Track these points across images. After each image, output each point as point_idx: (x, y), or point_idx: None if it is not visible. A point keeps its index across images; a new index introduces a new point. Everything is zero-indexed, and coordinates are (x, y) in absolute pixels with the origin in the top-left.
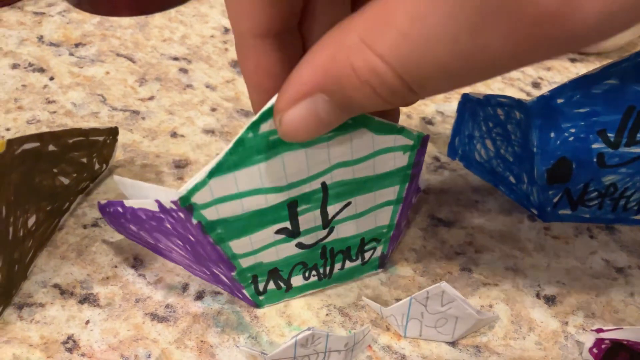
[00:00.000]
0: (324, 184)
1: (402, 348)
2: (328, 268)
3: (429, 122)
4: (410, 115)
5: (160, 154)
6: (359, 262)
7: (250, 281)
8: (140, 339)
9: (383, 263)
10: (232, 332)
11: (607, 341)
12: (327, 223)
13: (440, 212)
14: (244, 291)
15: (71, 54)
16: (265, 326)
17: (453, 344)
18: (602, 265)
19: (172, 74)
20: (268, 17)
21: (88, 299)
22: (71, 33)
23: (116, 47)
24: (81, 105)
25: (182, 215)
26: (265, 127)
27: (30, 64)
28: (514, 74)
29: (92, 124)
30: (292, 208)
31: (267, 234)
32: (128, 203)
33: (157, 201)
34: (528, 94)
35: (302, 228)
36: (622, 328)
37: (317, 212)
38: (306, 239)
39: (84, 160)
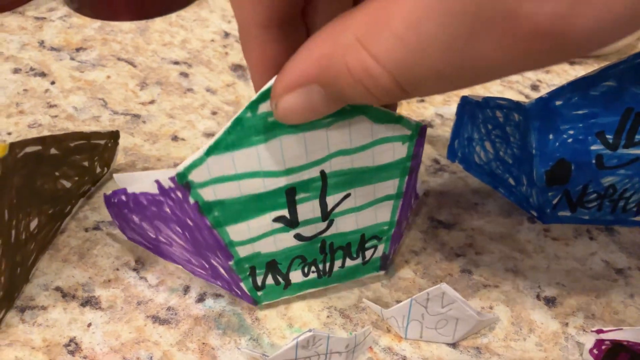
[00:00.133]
0: (322, 172)
1: (403, 349)
2: (328, 265)
3: (429, 124)
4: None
5: (161, 158)
6: (359, 260)
7: (248, 273)
8: (142, 342)
9: (385, 264)
10: (234, 334)
11: (607, 342)
12: (327, 215)
13: (440, 214)
14: (242, 285)
15: (72, 59)
16: (267, 328)
17: (454, 345)
18: (602, 266)
19: (172, 78)
20: (271, 7)
21: (90, 302)
22: (72, 38)
23: (117, 51)
24: (82, 109)
25: (180, 194)
26: (263, 108)
27: (32, 69)
28: (513, 76)
29: (94, 127)
30: (290, 195)
31: (264, 220)
32: (130, 189)
33: (157, 181)
34: (527, 96)
35: (300, 218)
36: (622, 329)
37: (316, 202)
38: (305, 231)
39: (86, 163)
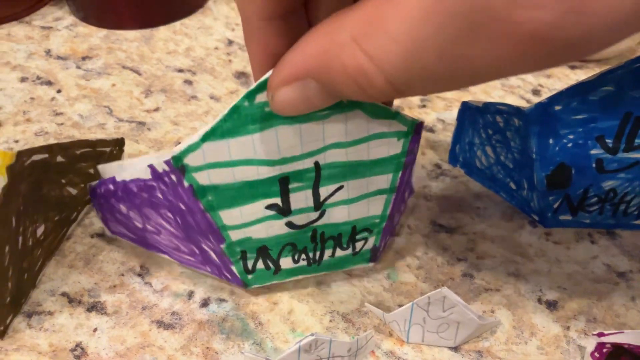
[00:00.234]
0: (317, 164)
1: (405, 353)
2: (318, 253)
3: (430, 129)
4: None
5: None
6: (350, 251)
7: (239, 257)
8: (147, 346)
9: (375, 257)
10: (237, 338)
11: (608, 345)
12: (319, 205)
13: (442, 218)
14: (233, 268)
15: (78, 67)
16: (270, 332)
17: (455, 349)
18: (603, 270)
19: (177, 85)
20: (273, 0)
21: (96, 307)
22: (78, 46)
23: (122, 59)
24: (88, 116)
25: (174, 177)
26: (261, 98)
27: (38, 77)
28: (514, 81)
29: (99, 135)
30: (283, 184)
31: (257, 207)
32: (119, 177)
33: (151, 166)
34: (528, 101)
35: (293, 207)
36: (623, 332)
37: (309, 192)
38: (297, 219)
39: (91, 170)
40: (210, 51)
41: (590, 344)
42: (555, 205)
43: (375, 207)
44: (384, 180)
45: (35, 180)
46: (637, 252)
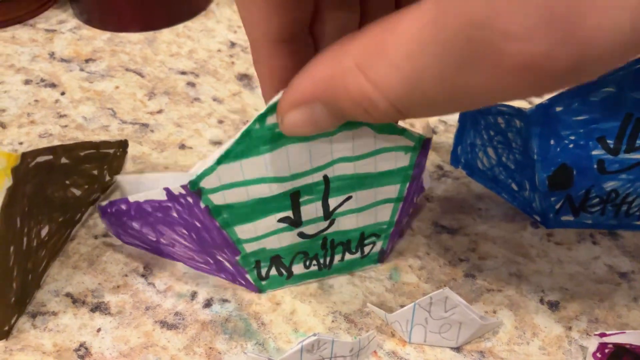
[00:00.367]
0: (325, 177)
1: (407, 354)
2: (328, 259)
3: (432, 131)
4: (414, 124)
5: (169, 166)
6: (358, 255)
7: (253, 266)
8: (150, 346)
9: (382, 258)
10: (240, 338)
11: (610, 345)
12: (329, 215)
13: (444, 219)
14: (247, 276)
15: (82, 70)
16: (272, 333)
17: (457, 349)
18: (605, 270)
19: (180, 87)
20: (279, 23)
21: (99, 308)
22: (82, 49)
23: (125, 62)
24: (92, 119)
25: (190, 200)
26: (271, 120)
27: (42, 80)
28: None
29: (103, 137)
30: (294, 198)
31: (270, 221)
32: (132, 198)
33: (166, 189)
34: (530, 102)
35: (304, 218)
36: (625, 332)
37: (319, 203)
38: (308, 229)
39: (95, 172)
40: (213, 53)
41: (592, 344)
42: (557, 206)
43: (383, 215)
44: (392, 190)
45: (40, 182)
46: (639, 253)
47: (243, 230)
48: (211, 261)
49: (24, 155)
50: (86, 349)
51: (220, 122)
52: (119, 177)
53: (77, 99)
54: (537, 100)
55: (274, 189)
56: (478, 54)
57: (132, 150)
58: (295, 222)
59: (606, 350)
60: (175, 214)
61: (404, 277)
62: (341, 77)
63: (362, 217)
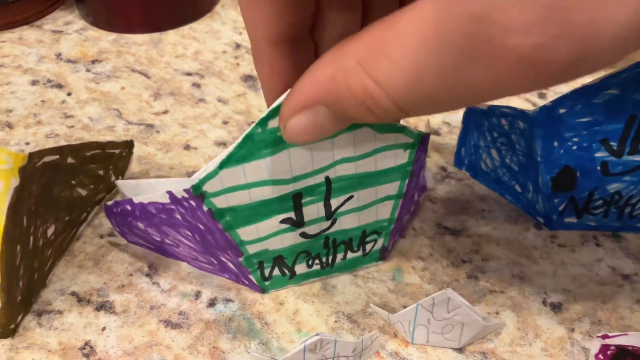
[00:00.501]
0: (327, 178)
1: (410, 354)
2: (330, 257)
3: (436, 132)
4: (417, 126)
5: (174, 166)
6: (360, 253)
7: (256, 267)
8: (155, 345)
9: (384, 255)
10: (244, 338)
11: (612, 347)
12: (330, 215)
13: (447, 220)
14: (251, 276)
15: (88, 70)
16: (276, 332)
17: (460, 350)
18: (608, 272)
19: (185, 88)
20: (281, 25)
21: (104, 307)
22: (88, 50)
23: (131, 63)
24: (97, 119)
25: (193, 203)
26: (273, 124)
27: (49, 80)
28: None
29: (108, 137)
30: (296, 200)
31: (273, 222)
32: (137, 199)
33: (169, 192)
34: (534, 104)
35: (306, 219)
36: (627, 334)
37: (321, 204)
38: (310, 229)
39: (101, 172)
40: (218, 55)
41: (594, 346)
42: (561, 208)
43: (383, 212)
44: (392, 188)
45: (46, 182)
46: None
47: (246, 232)
48: (215, 262)
49: (31, 156)
50: (91, 347)
51: (225, 122)
52: (119, 182)
53: (83, 100)
54: (541, 102)
55: (276, 192)
56: (478, 48)
57: (137, 150)
58: (297, 223)
59: (608, 352)
60: (178, 216)
61: (407, 277)
62: (343, 77)
63: (363, 215)
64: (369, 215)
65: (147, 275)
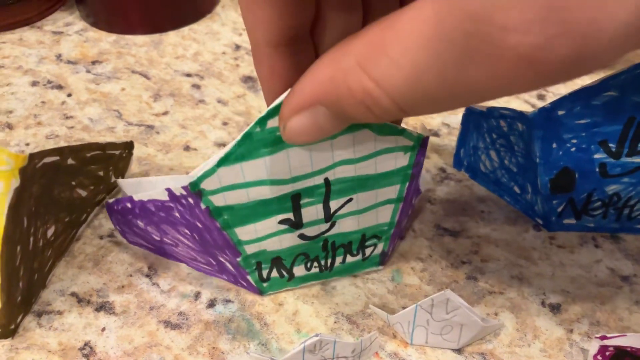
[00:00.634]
0: (326, 180)
1: (409, 355)
2: (329, 260)
3: (435, 134)
4: (417, 128)
5: (174, 167)
6: (359, 257)
7: (254, 267)
8: (154, 346)
9: (384, 260)
10: (243, 339)
11: (611, 348)
12: (330, 217)
13: (447, 222)
14: (249, 277)
15: (88, 71)
16: (275, 333)
17: (459, 351)
18: (607, 273)
19: (185, 89)
20: (281, 26)
21: (104, 307)
22: (88, 51)
23: (131, 64)
24: (98, 120)
25: (191, 200)
26: (272, 123)
27: (49, 81)
28: None
29: (109, 138)
30: (295, 200)
31: (271, 223)
32: (137, 197)
33: (168, 189)
34: (533, 105)
35: (304, 220)
36: (626, 335)
37: (320, 206)
38: (309, 231)
39: (101, 173)
40: (218, 56)
41: (593, 347)
42: (559, 209)
43: (383, 216)
44: (392, 191)
45: (47, 182)
46: None
47: (243, 232)
48: (213, 262)
49: (32, 156)
50: (91, 348)
51: (225, 123)
52: (120, 181)
53: (84, 101)
54: (540, 104)
55: (275, 192)
56: (478, 48)
57: (137, 151)
58: (296, 224)
59: (607, 353)
60: (177, 214)
61: (406, 279)
62: (343, 77)
63: (363, 218)
64: (369, 219)
65: (147, 276)
